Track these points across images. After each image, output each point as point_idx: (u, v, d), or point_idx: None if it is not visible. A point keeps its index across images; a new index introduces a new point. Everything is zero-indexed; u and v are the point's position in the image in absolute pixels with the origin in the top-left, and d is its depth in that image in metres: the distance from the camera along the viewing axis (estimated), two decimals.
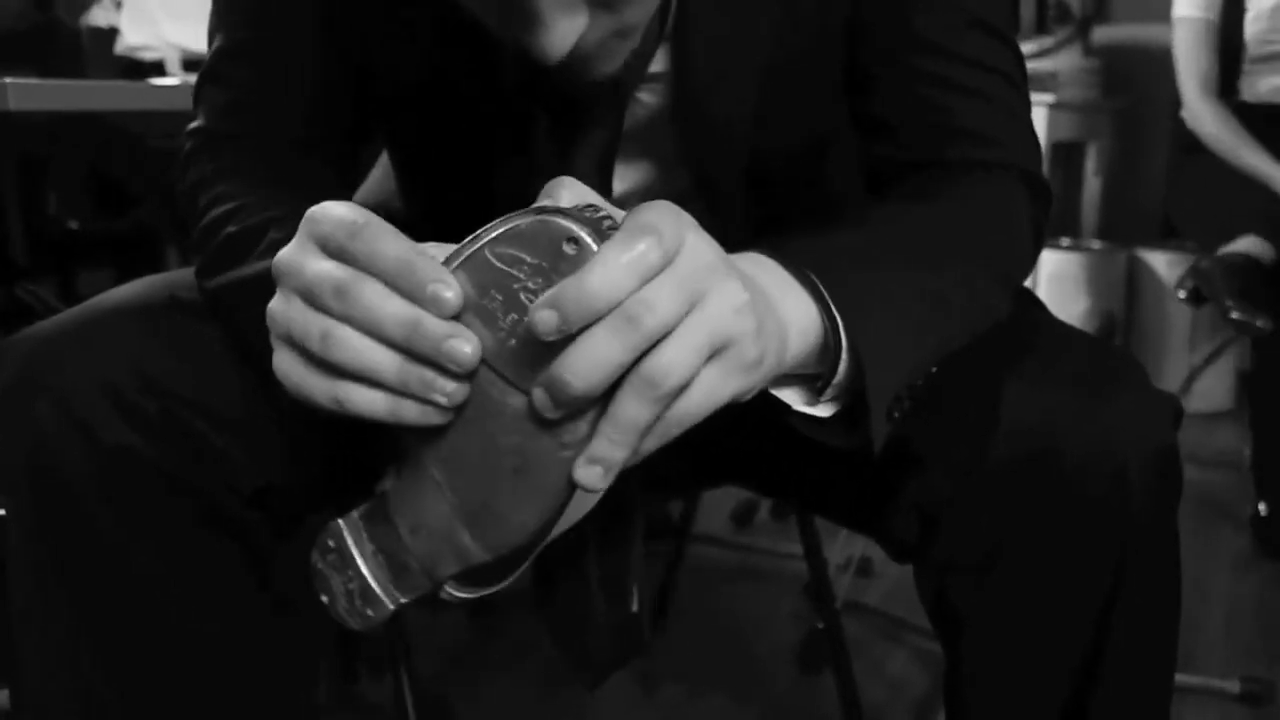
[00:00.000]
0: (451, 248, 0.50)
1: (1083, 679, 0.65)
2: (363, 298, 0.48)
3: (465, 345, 0.47)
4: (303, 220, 0.52)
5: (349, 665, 1.40)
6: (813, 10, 0.68)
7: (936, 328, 0.61)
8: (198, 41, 1.72)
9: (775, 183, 0.73)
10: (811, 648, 1.48)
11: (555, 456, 0.48)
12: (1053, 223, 2.93)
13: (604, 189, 0.73)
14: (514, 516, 0.50)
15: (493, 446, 0.49)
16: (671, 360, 0.46)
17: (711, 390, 0.48)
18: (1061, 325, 0.72)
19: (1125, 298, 2.89)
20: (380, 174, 0.94)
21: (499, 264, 0.47)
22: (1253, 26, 2.14)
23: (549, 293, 0.45)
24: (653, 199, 0.71)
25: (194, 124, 0.76)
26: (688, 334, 0.46)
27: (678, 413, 0.48)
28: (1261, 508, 1.99)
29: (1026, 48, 2.57)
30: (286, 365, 0.52)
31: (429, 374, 0.48)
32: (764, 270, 0.56)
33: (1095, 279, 2.82)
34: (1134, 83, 3.09)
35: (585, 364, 0.45)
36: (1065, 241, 2.96)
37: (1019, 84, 0.72)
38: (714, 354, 0.48)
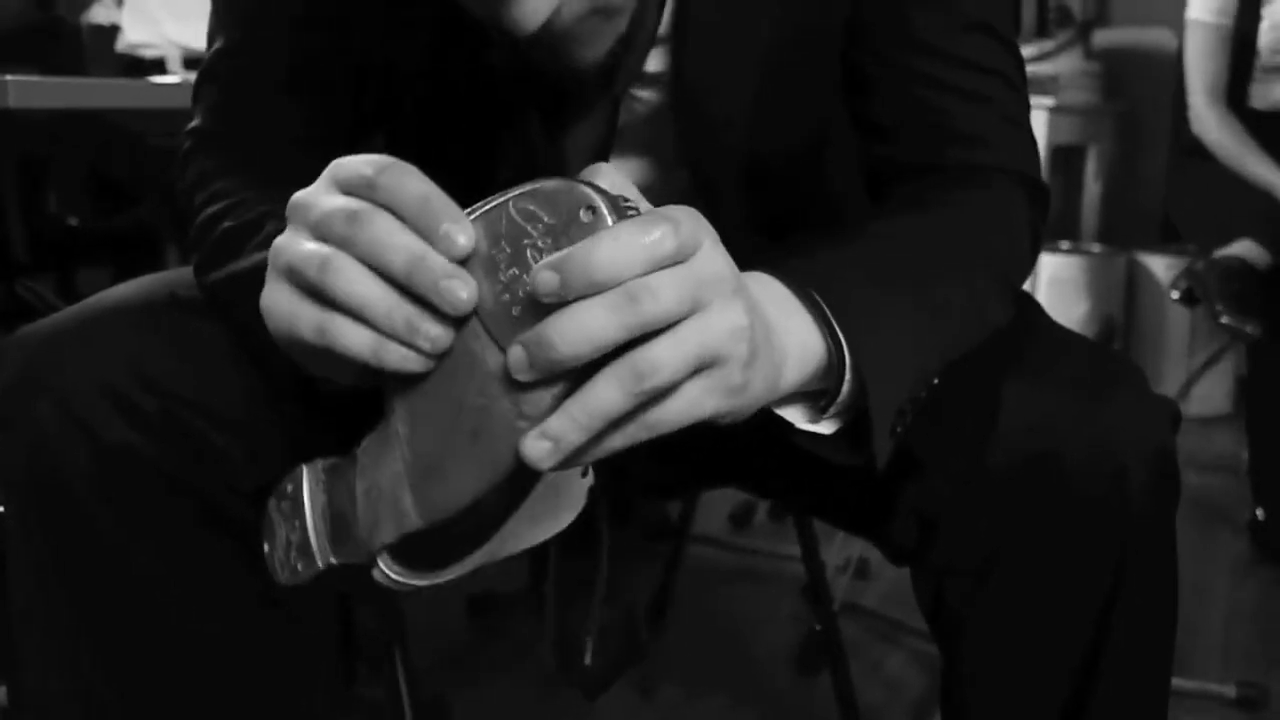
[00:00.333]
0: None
1: (1080, 682, 0.65)
2: (374, 225, 0.48)
3: (462, 288, 0.47)
4: (326, 170, 0.52)
5: (348, 665, 1.40)
6: (812, 11, 0.68)
7: (939, 341, 0.61)
8: (199, 39, 1.71)
9: (774, 182, 0.73)
10: (809, 649, 1.48)
11: (510, 424, 0.47)
12: (1053, 226, 2.94)
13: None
14: (455, 481, 0.49)
15: (458, 405, 0.48)
16: (661, 357, 0.45)
17: (690, 404, 0.47)
18: (1059, 329, 0.72)
19: (1125, 301, 2.89)
20: None
21: (517, 218, 0.47)
22: (1268, 35, 2.13)
23: (555, 255, 0.45)
24: (652, 198, 0.72)
25: (192, 123, 0.76)
26: (682, 337, 0.46)
27: (651, 417, 0.47)
28: (1259, 512, 1.99)
29: (1027, 51, 2.57)
30: (278, 296, 0.52)
31: (416, 315, 0.48)
32: (769, 294, 0.56)
33: (1095, 282, 2.83)
34: (1134, 86, 3.10)
35: (575, 330, 0.45)
36: (1065, 245, 2.96)
37: (1018, 86, 0.72)
38: (701, 368, 0.47)
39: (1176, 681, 1.09)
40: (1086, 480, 0.62)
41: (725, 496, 2.02)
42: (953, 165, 0.70)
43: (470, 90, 0.70)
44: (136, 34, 1.76)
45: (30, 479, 0.63)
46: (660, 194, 0.73)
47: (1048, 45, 2.82)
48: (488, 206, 0.48)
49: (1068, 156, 3.03)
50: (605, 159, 0.72)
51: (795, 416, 0.58)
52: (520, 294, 0.47)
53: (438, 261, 0.47)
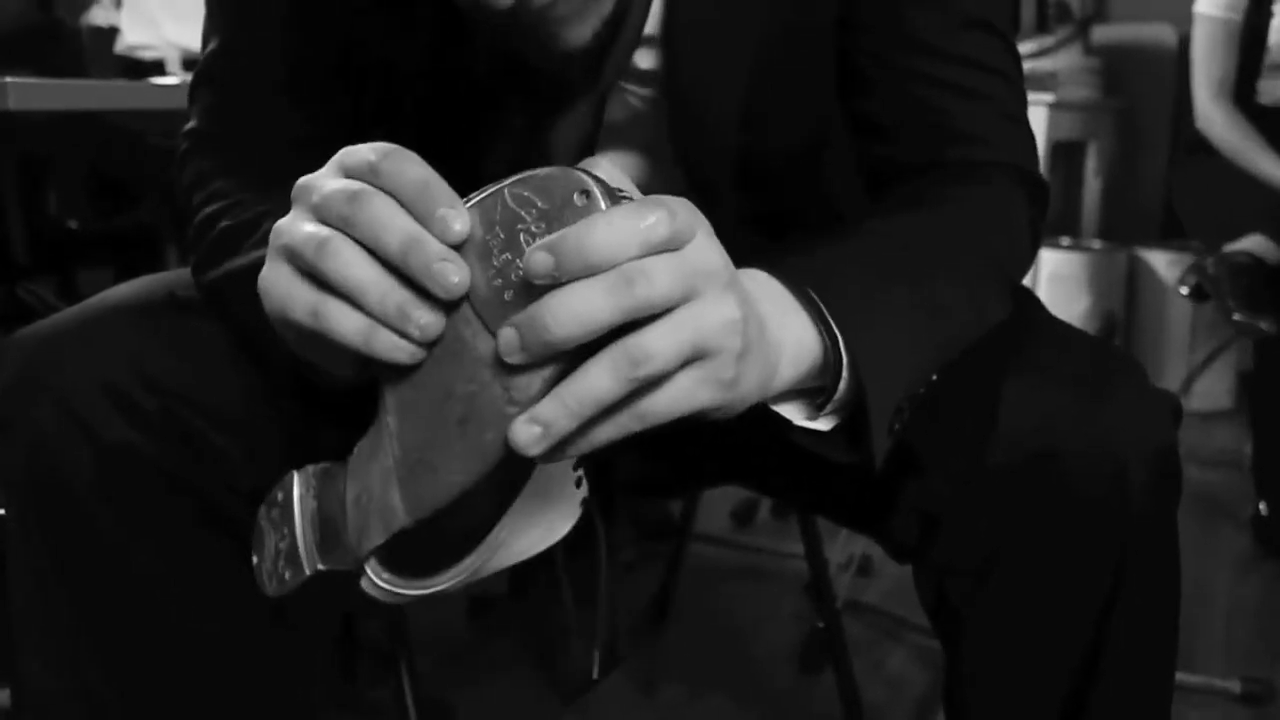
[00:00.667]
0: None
1: (1083, 679, 0.65)
2: (372, 206, 0.48)
3: (455, 272, 0.47)
4: (334, 157, 0.52)
5: (348, 665, 1.40)
6: (803, 10, 0.68)
7: (937, 338, 0.61)
8: (197, 40, 1.71)
9: (769, 182, 0.73)
10: (812, 647, 1.48)
11: (500, 411, 0.46)
12: (1053, 222, 2.94)
13: None
14: (444, 473, 0.48)
15: (447, 393, 0.48)
16: (654, 344, 0.45)
17: (681, 395, 0.47)
18: (1059, 324, 0.72)
19: (1125, 297, 2.89)
20: None
21: (511, 203, 0.47)
22: (1277, 34, 2.12)
23: (549, 237, 0.45)
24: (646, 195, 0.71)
25: (189, 125, 0.76)
26: (675, 325, 0.46)
27: (642, 407, 0.47)
28: (1262, 507, 1.98)
29: (1026, 47, 2.56)
30: (275, 276, 0.52)
31: (409, 301, 0.48)
32: (764, 291, 0.55)
33: (1096, 278, 2.82)
34: (1134, 82, 3.09)
35: (568, 312, 0.44)
36: (1066, 241, 2.96)
37: (1016, 83, 0.72)
38: (694, 358, 0.47)
39: (1180, 677, 1.09)
40: (1087, 478, 0.62)
41: (727, 494, 2.01)
42: (952, 163, 0.69)
43: (457, 86, 0.70)
44: (135, 35, 1.76)
45: (30, 478, 0.63)
46: (654, 192, 0.72)
47: (1047, 41, 2.81)
48: (484, 193, 0.48)
49: (1068, 152, 3.03)
50: (590, 154, 0.72)
51: (793, 413, 0.58)
52: (513, 278, 0.46)
53: (432, 245, 0.47)
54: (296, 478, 0.54)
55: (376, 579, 0.53)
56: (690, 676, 1.47)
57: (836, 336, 0.56)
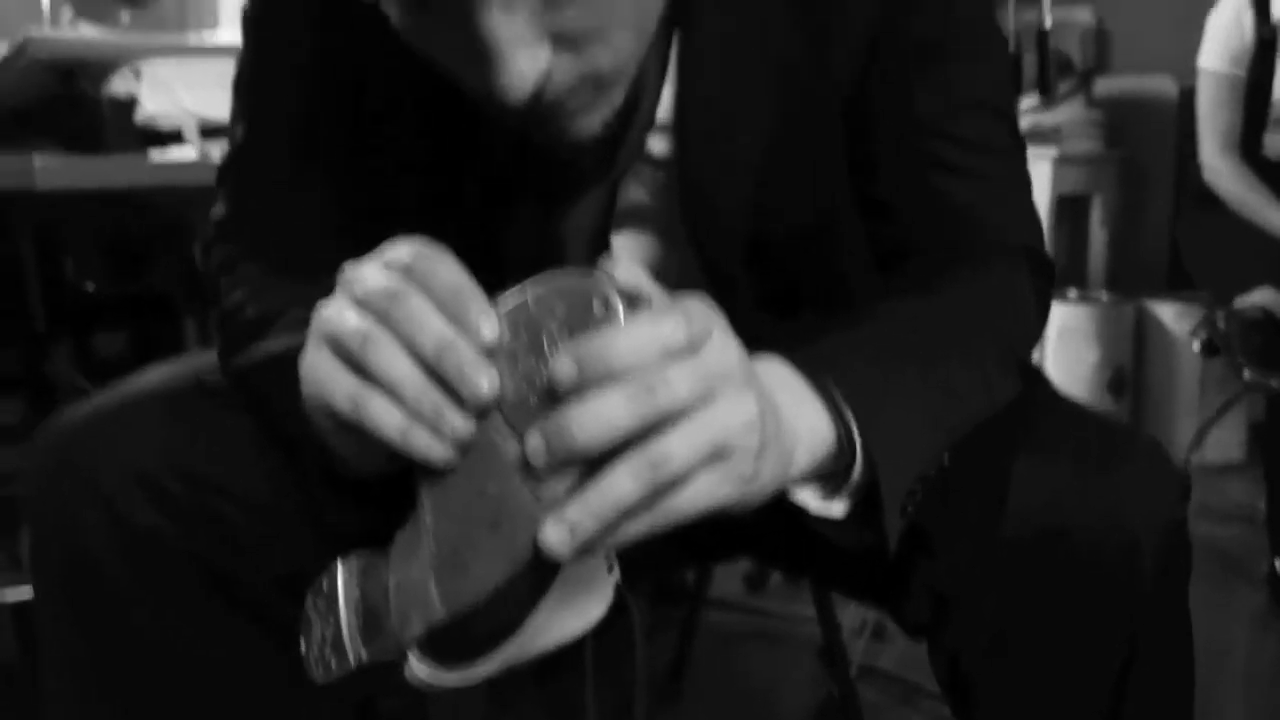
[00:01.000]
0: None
1: None
2: (409, 305, 0.50)
3: (484, 379, 0.49)
4: (379, 249, 0.54)
5: None
6: (813, 96, 0.70)
7: (948, 421, 0.62)
8: (214, 109, 1.75)
9: (780, 262, 0.75)
10: (827, 713, 1.47)
11: (529, 513, 0.48)
12: (1060, 274, 2.94)
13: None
14: (477, 570, 0.50)
15: (479, 494, 0.50)
16: (674, 448, 0.47)
17: (702, 493, 0.49)
18: (1065, 401, 0.73)
19: (1134, 349, 2.89)
20: None
21: (534, 309, 0.49)
22: None
23: (574, 346, 0.47)
24: (659, 276, 0.73)
25: (216, 210, 0.79)
26: (695, 428, 0.47)
27: (665, 506, 0.48)
28: (1277, 564, 1.97)
29: (1028, 102, 2.58)
30: (318, 361, 0.54)
31: (443, 403, 0.50)
32: (779, 380, 0.57)
33: (1104, 331, 2.83)
34: (1136, 133, 3.12)
35: (593, 420, 0.46)
36: (1073, 293, 2.97)
37: (1019, 164, 0.74)
38: (714, 458, 0.48)
39: None
40: (1098, 555, 0.62)
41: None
42: (958, 244, 0.71)
43: (473, 173, 0.72)
44: (154, 105, 1.79)
45: (62, 564, 0.64)
46: (667, 272, 0.74)
47: (1049, 97, 2.84)
48: (510, 297, 0.50)
49: (1073, 205, 3.05)
50: (605, 241, 0.74)
51: (807, 497, 0.59)
52: (538, 384, 0.48)
53: (465, 350, 0.49)
54: (341, 566, 0.55)
55: (417, 667, 0.54)
56: None
57: (850, 424, 0.57)
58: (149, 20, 2.17)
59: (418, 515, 0.52)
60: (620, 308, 0.48)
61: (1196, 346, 1.93)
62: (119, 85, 1.78)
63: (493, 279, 0.73)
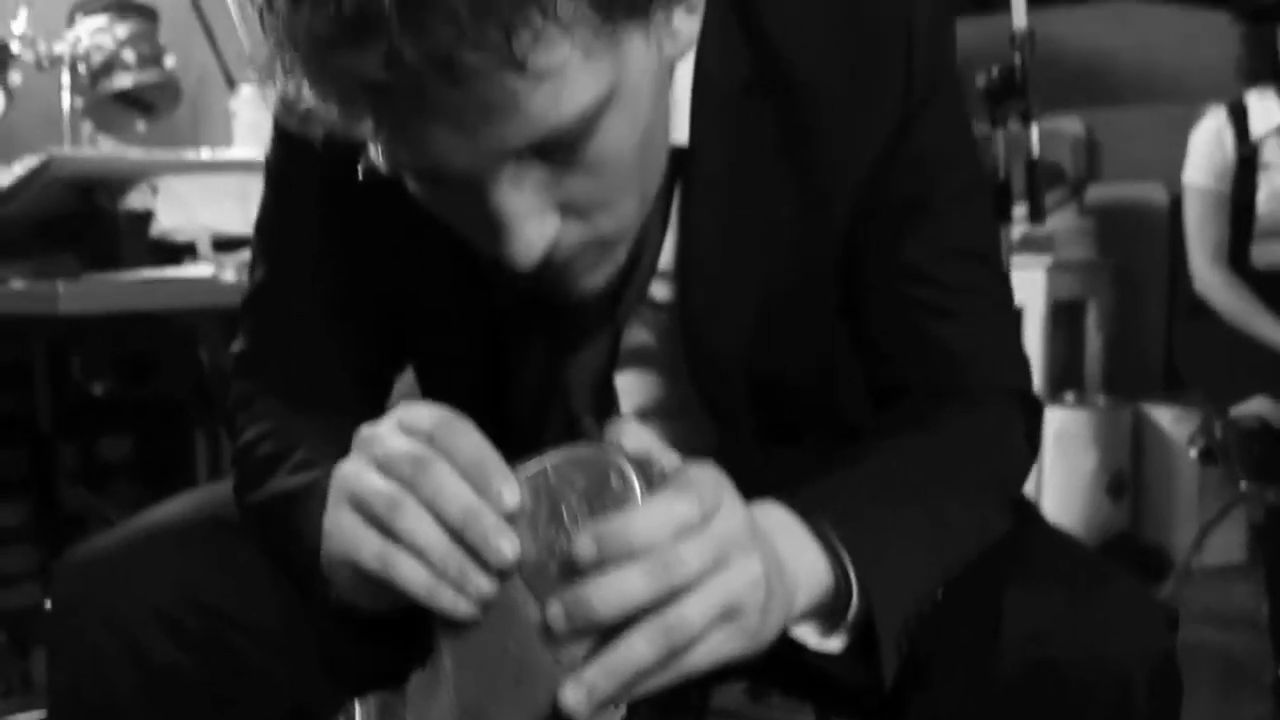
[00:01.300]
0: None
1: None
2: (436, 473, 0.53)
3: (508, 545, 0.52)
4: (396, 408, 0.57)
5: None
6: (808, 249, 0.73)
7: (942, 559, 0.65)
8: (229, 224, 1.79)
9: (779, 400, 0.78)
10: None
11: (549, 673, 0.51)
12: (1057, 379, 2.99)
13: (601, 408, 0.77)
14: None
15: (502, 651, 0.53)
16: (690, 615, 0.50)
17: (714, 649, 0.52)
18: (1055, 533, 0.75)
19: (1132, 453, 2.91)
20: (405, 387, 0.99)
21: (554, 480, 0.53)
22: (1266, 205, 2.22)
23: (595, 525, 0.50)
24: (660, 413, 0.76)
25: (236, 347, 0.82)
26: (708, 594, 0.51)
27: (677, 665, 0.51)
28: None
29: (1020, 211, 2.64)
30: (344, 523, 0.56)
31: (467, 564, 0.52)
32: (779, 526, 0.60)
33: (1102, 435, 2.85)
34: (1129, 240, 3.18)
35: (611, 594, 0.50)
36: (1070, 398, 3.00)
37: (1006, 307, 0.77)
38: (724, 618, 0.52)
39: None
40: (1090, 688, 0.64)
41: None
42: (948, 384, 0.74)
43: (482, 322, 0.75)
44: (169, 220, 1.83)
45: (78, 700, 0.66)
46: (668, 410, 0.78)
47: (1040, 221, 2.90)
48: (529, 467, 0.53)
49: (1068, 310, 3.09)
50: (609, 383, 0.77)
51: (806, 635, 0.62)
52: (558, 552, 0.51)
53: (489, 517, 0.52)
54: (359, 706, 0.58)
55: None
56: None
57: (847, 565, 0.59)
58: (164, 131, 2.23)
59: (437, 662, 0.55)
60: (636, 482, 0.51)
61: (1194, 454, 1.96)
62: (136, 200, 1.82)
63: (500, 419, 0.76)
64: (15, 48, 1.94)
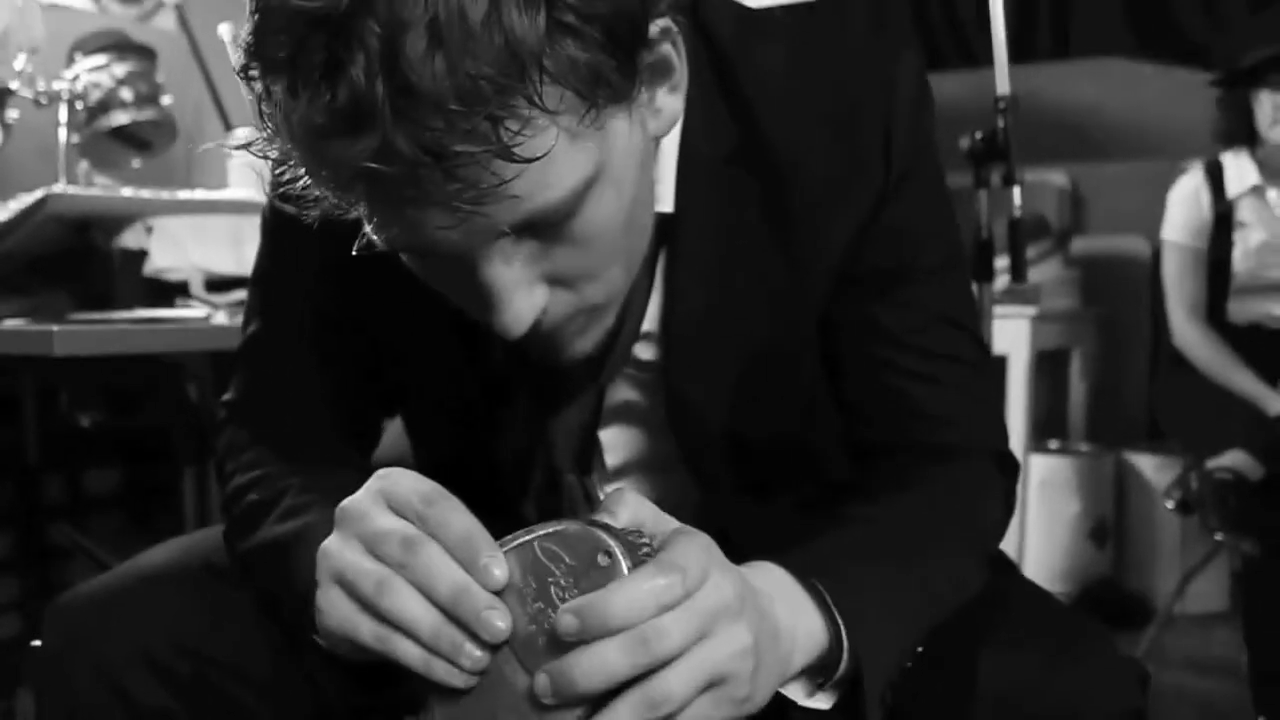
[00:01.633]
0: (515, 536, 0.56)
1: None
2: (424, 554, 0.55)
3: (499, 619, 0.53)
4: (373, 478, 0.59)
5: None
6: (791, 314, 0.75)
7: (926, 618, 0.67)
8: (222, 264, 1.81)
9: (758, 457, 0.80)
10: None
11: None
12: (1041, 426, 3.01)
13: (583, 464, 0.79)
14: None
15: (492, 718, 0.54)
16: (672, 687, 0.52)
17: (699, 717, 0.53)
18: (1031, 589, 0.77)
19: (1115, 500, 2.93)
20: (394, 434, 1.01)
21: (542, 557, 0.54)
22: (1242, 262, 2.27)
23: (577, 600, 0.52)
24: (643, 467, 0.78)
25: (229, 394, 0.83)
26: (691, 665, 0.52)
27: None
28: None
29: (1003, 263, 2.69)
30: (334, 603, 0.58)
31: (460, 638, 0.54)
32: (776, 588, 0.61)
33: (1085, 482, 2.87)
34: (1112, 291, 3.21)
35: (591, 667, 0.51)
36: (1054, 445, 3.02)
37: (981, 370, 0.79)
38: (709, 686, 0.53)
39: None
40: None
41: None
42: (927, 445, 0.76)
43: (470, 380, 0.77)
44: (163, 259, 1.85)
45: None
46: (651, 464, 0.80)
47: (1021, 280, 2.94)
48: (518, 542, 0.55)
49: (1052, 358, 3.12)
50: (593, 440, 0.79)
51: (795, 693, 0.63)
52: (545, 626, 0.53)
53: (478, 593, 0.54)
54: None
55: None
56: None
57: (840, 626, 0.61)
58: (159, 169, 2.25)
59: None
60: (622, 560, 0.53)
61: (1171, 505, 1.98)
62: (130, 239, 1.84)
63: (487, 469, 0.77)
64: (14, 84, 1.96)
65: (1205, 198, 2.28)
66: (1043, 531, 2.79)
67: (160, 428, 2.54)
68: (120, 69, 2.10)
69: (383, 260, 0.62)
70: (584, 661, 0.51)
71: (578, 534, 0.54)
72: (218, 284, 1.78)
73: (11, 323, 1.44)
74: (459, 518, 0.56)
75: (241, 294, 1.46)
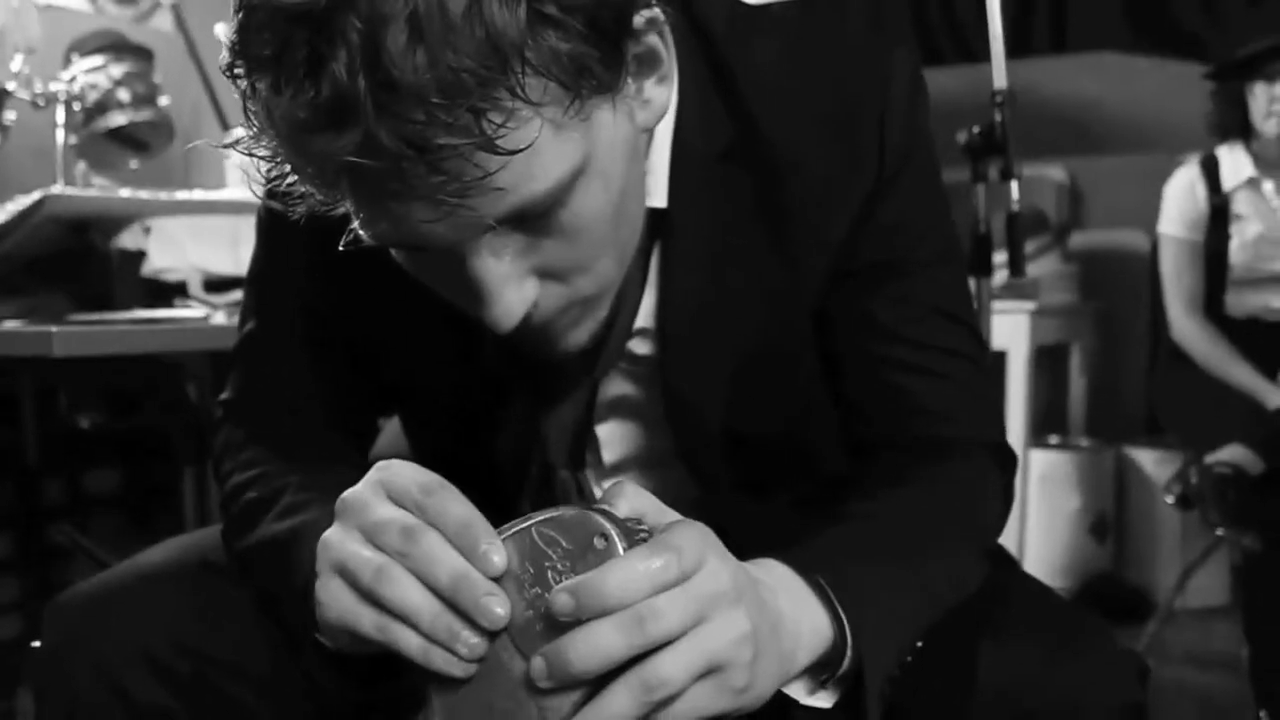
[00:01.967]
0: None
1: None
2: (425, 542, 0.55)
3: (498, 605, 0.53)
4: (373, 469, 0.59)
5: None
6: (786, 308, 0.75)
7: (924, 614, 0.67)
8: (220, 265, 1.81)
9: (755, 453, 0.80)
10: None
11: None
12: (1041, 422, 3.01)
13: (577, 459, 0.79)
14: None
15: (489, 708, 0.54)
16: (669, 670, 0.51)
17: (696, 705, 0.53)
18: (1030, 583, 0.77)
19: (1115, 495, 2.93)
20: (392, 432, 1.01)
21: (539, 542, 0.54)
22: (1239, 255, 2.27)
23: (571, 580, 0.52)
24: (641, 463, 0.78)
25: (225, 393, 0.84)
26: (687, 649, 0.52)
27: (660, 719, 0.52)
28: (1263, 715, 1.97)
29: (1000, 258, 2.69)
30: (334, 593, 0.58)
31: (457, 625, 0.54)
32: (781, 584, 0.61)
33: (1085, 478, 2.87)
34: (1111, 285, 3.21)
35: (587, 648, 0.51)
36: (1054, 440, 3.02)
37: (978, 363, 0.79)
38: (707, 673, 0.53)
39: None
40: None
41: None
42: (925, 439, 0.76)
43: (465, 374, 0.77)
44: (161, 260, 1.85)
45: None
46: (647, 461, 0.80)
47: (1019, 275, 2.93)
48: (516, 529, 0.55)
49: (1051, 353, 3.12)
50: (586, 434, 0.79)
51: (798, 691, 0.63)
52: (542, 610, 0.53)
53: (477, 580, 0.54)
54: None
55: None
56: None
57: (844, 623, 0.61)
58: (156, 170, 2.25)
59: (428, 717, 0.56)
60: (619, 543, 0.53)
61: (1170, 500, 1.98)
62: (128, 240, 1.84)
63: (484, 464, 0.77)
64: (11, 86, 1.96)
65: (1201, 190, 2.29)
66: (1043, 527, 2.79)
67: (160, 428, 2.55)
68: (117, 70, 2.09)
69: (376, 257, 0.62)
70: (579, 642, 0.51)
71: (574, 518, 0.54)
72: (216, 284, 1.78)
73: (10, 324, 1.44)
74: (458, 506, 0.56)
75: (240, 294, 1.46)
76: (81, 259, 1.89)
